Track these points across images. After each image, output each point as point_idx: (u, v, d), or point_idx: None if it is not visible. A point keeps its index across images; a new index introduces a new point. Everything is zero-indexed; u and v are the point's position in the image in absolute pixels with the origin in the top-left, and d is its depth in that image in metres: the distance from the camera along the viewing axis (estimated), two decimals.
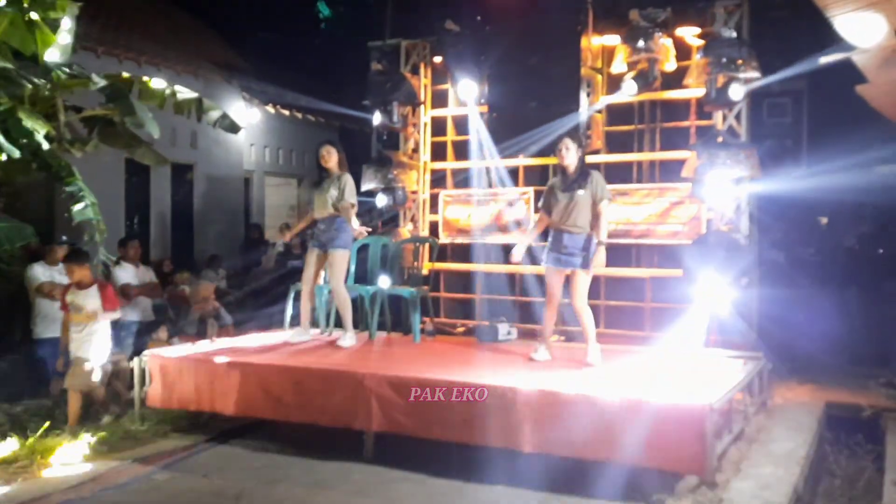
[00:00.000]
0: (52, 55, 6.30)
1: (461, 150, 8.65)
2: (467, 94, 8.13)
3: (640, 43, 7.02)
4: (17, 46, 6.11)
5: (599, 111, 7.71)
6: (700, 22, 7.13)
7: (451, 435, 4.97)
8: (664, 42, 7.09)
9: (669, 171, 7.34)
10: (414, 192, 8.58)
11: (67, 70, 6.59)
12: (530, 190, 7.96)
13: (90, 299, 5.96)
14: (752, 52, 6.75)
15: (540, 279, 7.46)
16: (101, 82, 6.53)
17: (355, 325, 6.77)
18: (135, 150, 7.35)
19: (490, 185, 8.29)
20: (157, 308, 8.11)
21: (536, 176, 8.11)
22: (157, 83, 6.99)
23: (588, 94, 7.54)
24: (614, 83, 7.50)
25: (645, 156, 7.66)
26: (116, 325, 7.48)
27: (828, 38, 6.49)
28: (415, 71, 8.62)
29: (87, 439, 5.49)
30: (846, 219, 10.85)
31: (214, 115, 7.33)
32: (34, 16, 5.97)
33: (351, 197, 6.46)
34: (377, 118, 8.42)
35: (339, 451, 5.31)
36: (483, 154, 8.19)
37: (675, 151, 7.35)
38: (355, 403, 5.21)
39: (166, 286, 8.82)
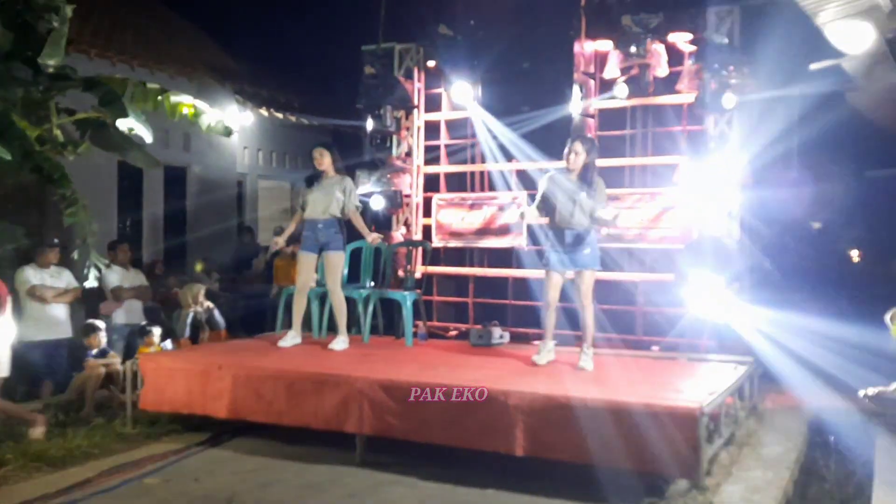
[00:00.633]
0: (44, 58, 6.29)
1: (455, 154, 8.68)
2: (463, 98, 8.16)
3: (633, 48, 7.06)
4: (9, 48, 6.10)
5: (592, 116, 7.75)
6: (692, 28, 7.17)
7: (443, 438, 4.98)
8: (656, 48, 7.13)
9: (661, 176, 7.37)
10: (407, 196, 8.59)
11: (60, 72, 6.58)
12: (523, 194, 7.97)
13: None
14: (744, 58, 6.80)
15: (533, 283, 7.49)
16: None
17: (348, 329, 6.76)
18: (127, 153, 7.34)
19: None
20: (148, 311, 8.09)
21: (529, 180, 8.13)
22: (150, 86, 6.99)
23: (581, 99, 7.57)
24: (607, 88, 7.54)
25: (637, 160, 7.69)
26: (108, 328, 7.50)
27: (818, 44, 6.56)
28: (408, 75, 8.64)
29: (78, 442, 5.47)
30: (838, 224, 10.93)
31: (207, 118, 7.33)
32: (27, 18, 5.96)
33: (356, 200, 6.53)
34: (370, 124, 8.44)
35: (331, 455, 5.31)
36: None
37: (667, 156, 7.38)
38: (347, 407, 5.21)
39: (158, 289, 8.81)
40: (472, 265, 8.44)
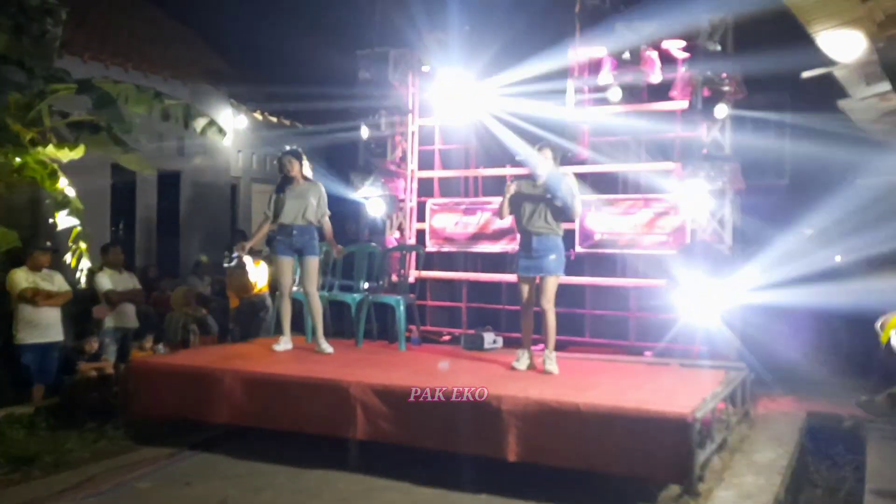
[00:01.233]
0: (37, 60, 6.28)
1: (448, 159, 8.70)
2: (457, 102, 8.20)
3: (627, 55, 7.10)
4: (3, 51, 6.09)
5: (585, 122, 7.78)
6: (686, 35, 7.21)
7: (436, 443, 4.98)
8: (650, 54, 7.16)
9: (654, 182, 7.40)
10: (402, 201, 8.60)
11: (54, 75, 6.58)
12: None
13: None
14: (737, 65, 6.84)
15: None
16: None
17: (342, 334, 6.77)
18: (121, 156, 7.33)
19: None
20: (141, 314, 8.07)
21: None
22: (143, 89, 6.98)
23: (574, 105, 7.60)
24: (601, 94, 7.57)
25: (630, 166, 7.72)
26: (100, 332, 7.48)
27: (810, 53, 6.60)
28: (403, 79, 8.65)
29: (69, 446, 5.45)
30: (830, 232, 10.97)
31: (201, 121, 7.32)
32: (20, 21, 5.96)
33: (325, 207, 6.54)
34: (365, 132, 8.45)
35: (324, 459, 5.30)
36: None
37: (660, 163, 7.41)
38: (340, 411, 5.21)
39: (151, 292, 8.78)
40: (465, 270, 8.44)
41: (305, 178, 6.55)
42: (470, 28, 8.05)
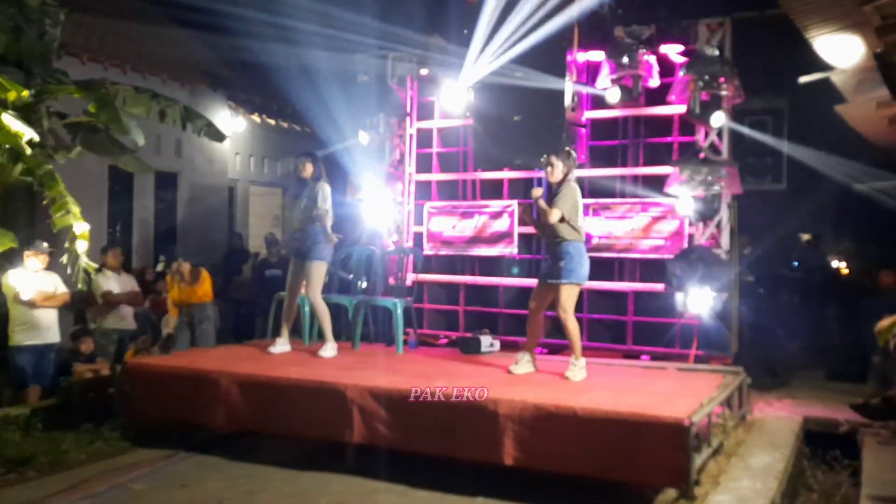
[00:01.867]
0: (36, 61, 6.28)
1: (446, 162, 8.70)
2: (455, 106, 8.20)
3: (625, 59, 7.11)
4: (2, 52, 6.09)
5: (584, 125, 7.79)
6: (683, 39, 7.23)
7: (433, 447, 4.97)
8: (648, 59, 7.18)
9: (652, 186, 7.41)
10: (399, 204, 8.60)
11: (52, 76, 6.58)
12: (514, 202, 7.99)
13: None
14: (734, 70, 6.86)
15: (524, 291, 7.50)
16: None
17: (338, 336, 6.76)
18: (118, 158, 7.33)
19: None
20: (138, 316, 8.07)
21: (520, 188, 8.16)
22: (142, 90, 6.99)
23: (573, 109, 7.61)
24: (599, 98, 7.58)
25: (628, 171, 7.73)
26: (97, 334, 7.47)
27: (808, 57, 6.62)
28: (401, 83, 8.65)
29: (65, 447, 5.44)
30: (827, 236, 11.00)
31: (199, 123, 7.32)
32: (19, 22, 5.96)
33: (324, 203, 6.51)
34: (363, 135, 8.44)
35: (321, 462, 5.29)
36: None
37: (658, 167, 7.42)
38: (337, 415, 5.20)
39: (148, 294, 8.77)
40: (463, 273, 8.45)
41: (314, 180, 6.56)
42: (468, 32, 8.05)
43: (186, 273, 7.84)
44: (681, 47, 7.28)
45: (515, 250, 7.99)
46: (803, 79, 7.16)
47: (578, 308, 7.74)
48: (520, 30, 7.29)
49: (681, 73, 7.09)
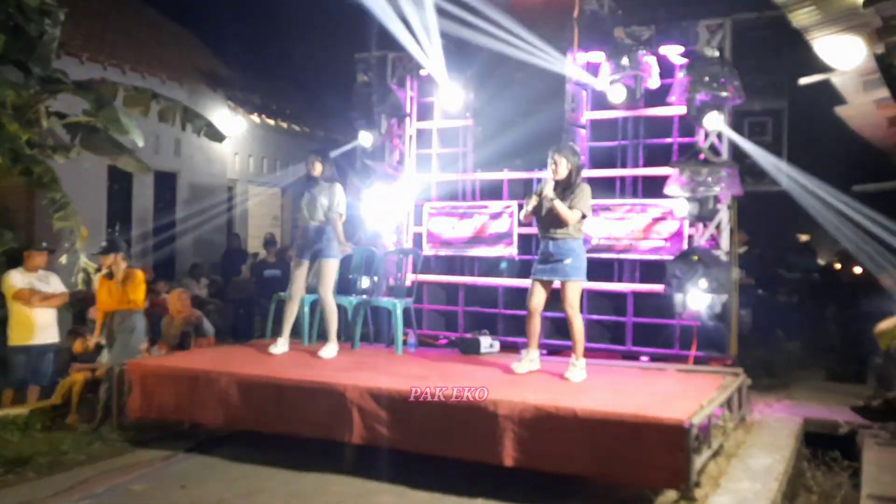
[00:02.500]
0: (35, 61, 6.28)
1: (446, 162, 8.70)
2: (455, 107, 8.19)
3: (625, 60, 7.10)
4: (1, 51, 6.08)
5: (583, 126, 7.78)
6: (683, 41, 7.22)
7: (432, 448, 4.96)
8: (648, 60, 7.17)
9: (652, 187, 7.40)
10: (399, 204, 8.59)
11: (51, 76, 6.57)
12: (514, 203, 7.99)
13: None
14: (734, 71, 6.85)
15: (523, 292, 7.49)
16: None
17: (338, 336, 6.75)
18: (117, 157, 7.32)
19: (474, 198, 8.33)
20: None
21: (520, 189, 8.15)
22: (141, 90, 6.98)
23: (573, 110, 7.60)
24: (599, 99, 7.57)
25: (628, 171, 7.72)
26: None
27: (808, 59, 6.61)
28: (401, 83, 8.65)
29: (64, 448, 5.43)
30: (826, 238, 10.99)
31: (199, 123, 7.32)
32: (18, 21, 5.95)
33: (340, 207, 6.49)
34: (363, 135, 8.42)
35: (320, 462, 5.29)
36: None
37: (657, 168, 7.42)
38: (336, 415, 5.19)
39: (147, 295, 8.74)
40: (462, 274, 8.44)
41: (325, 179, 6.54)
42: (469, 33, 8.05)
43: (119, 272, 6.70)
44: (681, 48, 7.27)
45: (515, 251, 7.99)
46: (803, 80, 7.15)
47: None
48: (520, 30, 7.28)
49: (681, 75, 7.09)
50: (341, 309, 7.26)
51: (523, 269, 8.08)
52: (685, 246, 7.08)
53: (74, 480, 5.03)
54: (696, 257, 6.72)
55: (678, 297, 6.72)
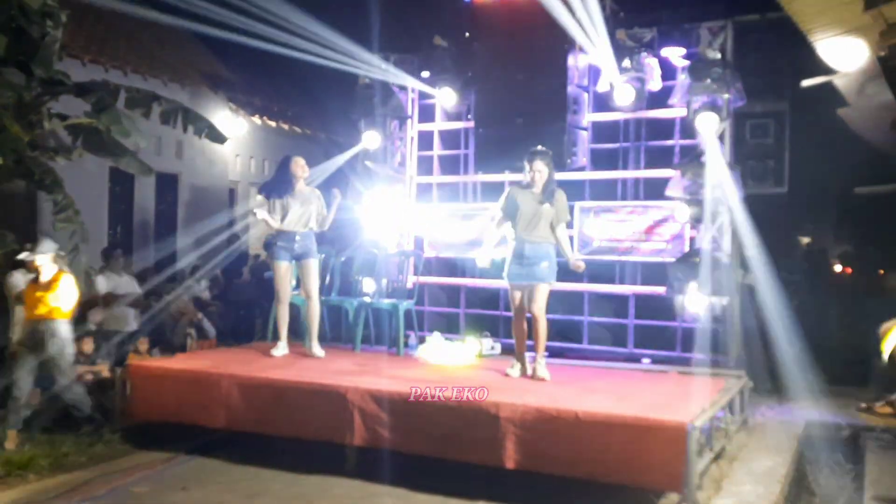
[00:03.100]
0: (37, 63, 6.28)
1: (447, 165, 8.70)
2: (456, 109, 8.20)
3: (627, 62, 7.11)
4: (2, 54, 6.09)
5: (585, 128, 7.78)
6: (685, 43, 7.23)
7: (434, 450, 4.96)
8: (650, 62, 7.17)
9: (654, 189, 7.40)
10: (400, 206, 8.59)
11: (53, 78, 6.58)
12: None
13: None
14: (736, 73, 6.85)
15: None
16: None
17: (340, 339, 6.76)
18: (119, 159, 7.32)
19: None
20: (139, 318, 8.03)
21: None
22: (143, 92, 6.99)
23: (574, 112, 7.60)
24: (600, 101, 7.57)
25: (630, 173, 7.72)
26: (98, 335, 7.44)
27: (810, 61, 6.61)
28: (402, 85, 8.65)
29: (65, 450, 5.42)
30: (828, 239, 11.00)
31: (200, 125, 7.32)
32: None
33: (329, 211, 6.56)
34: (369, 140, 8.40)
35: (321, 465, 5.28)
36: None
37: (659, 169, 7.41)
38: (338, 417, 5.19)
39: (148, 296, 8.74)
40: (463, 276, 8.43)
41: (307, 184, 6.55)
42: (470, 35, 8.05)
43: (41, 273, 5.83)
44: (682, 50, 7.28)
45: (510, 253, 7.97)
46: (806, 82, 7.16)
47: (580, 311, 7.77)
48: (520, 31, 7.29)
49: (682, 77, 7.09)
50: (343, 311, 7.26)
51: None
52: (687, 248, 7.08)
53: (76, 482, 5.01)
54: (697, 259, 6.72)
55: (679, 300, 6.72)
